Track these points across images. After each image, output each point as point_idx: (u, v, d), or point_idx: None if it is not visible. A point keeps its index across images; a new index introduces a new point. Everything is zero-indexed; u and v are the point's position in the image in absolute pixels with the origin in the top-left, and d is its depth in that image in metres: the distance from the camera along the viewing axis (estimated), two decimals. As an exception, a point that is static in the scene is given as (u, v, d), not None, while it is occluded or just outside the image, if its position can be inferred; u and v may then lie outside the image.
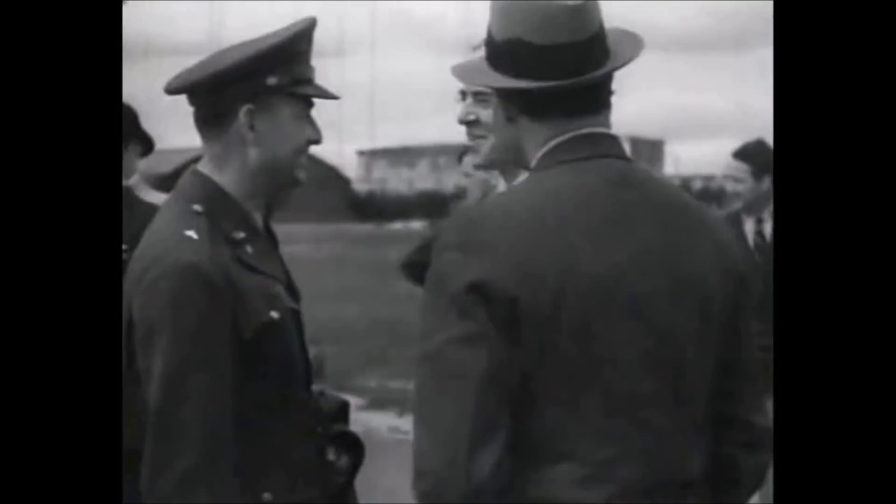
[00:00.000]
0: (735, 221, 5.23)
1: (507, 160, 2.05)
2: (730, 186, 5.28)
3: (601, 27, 1.92)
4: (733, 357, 1.95)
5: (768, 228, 5.13)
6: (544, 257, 1.79)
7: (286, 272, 2.48)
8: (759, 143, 5.26)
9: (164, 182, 4.61)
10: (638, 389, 1.82)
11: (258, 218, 2.42)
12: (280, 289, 2.37)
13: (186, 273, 2.21)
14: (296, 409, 2.38)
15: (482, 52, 2.03)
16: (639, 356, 1.82)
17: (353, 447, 2.55)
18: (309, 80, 2.39)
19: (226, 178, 2.38)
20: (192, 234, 2.27)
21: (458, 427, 1.75)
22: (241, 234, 2.34)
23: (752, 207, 5.16)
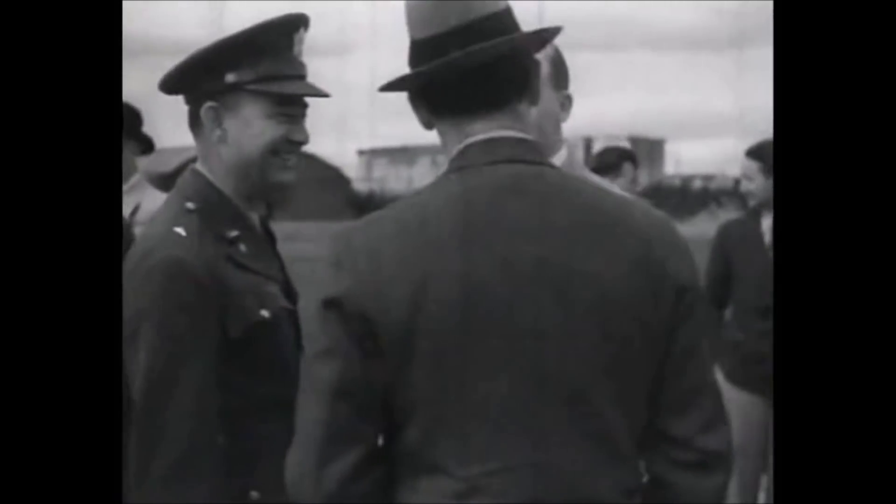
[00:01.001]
0: (750, 225, 5.24)
1: None
2: (743, 185, 5.29)
3: (491, 16, 1.84)
4: (673, 373, 1.84)
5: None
6: (401, 271, 1.77)
7: (283, 272, 2.46)
8: (770, 143, 5.26)
9: (166, 181, 4.62)
10: (512, 405, 1.77)
11: (254, 216, 2.40)
12: (274, 288, 2.35)
13: (171, 269, 2.21)
14: (288, 411, 2.28)
15: None
16: (510, 371, 1.76)
17: None
18: (283, 77, 2.32)
19: (215, 175, 2.37)
20: (180, 230, 2.27)
21: (309, 438, 1.81)
22: (234, 233, 2.32)
23: (769, 205, 5.16)
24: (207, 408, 2.23)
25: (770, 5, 2.03)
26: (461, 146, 1.86)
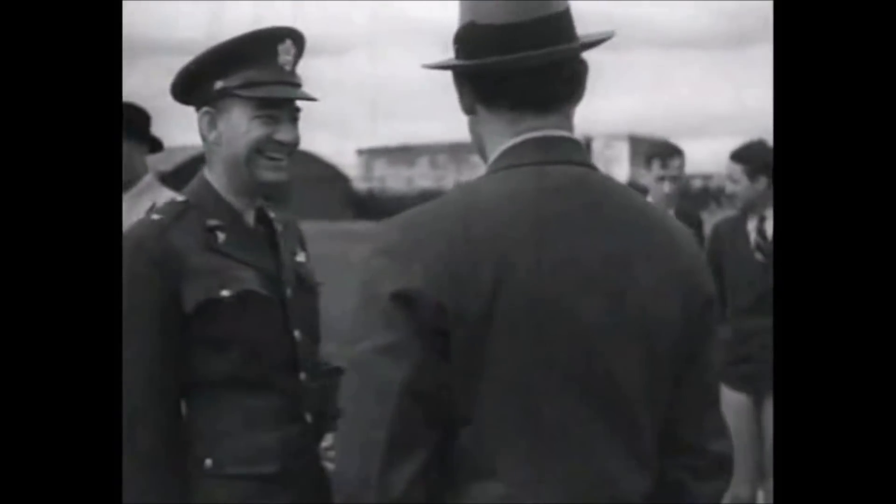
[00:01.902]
0: (738, 225, 5.29)
1: (484, 159, 1.94)
2: (728, 187, 5.34)
3: (559, 15, 1.84)
4: (691, 383, 1.86)
5: (770, 227, 5.18)
6: (474, 269, 1.72)
7: (279, 264, 2.62)
8: (758, 144, 5.31)
9: (166, 179, 4.63)
10: (564, 410, 1.75)
11: (245, 211, 2.62)
12: (247, 273, 2.54)
13: (129, 248, 2.45)
14: (265, 390, 2.53)
15: None
16: (566, 375, 1.75)
17: None
18: (268, 82, 2.53)
19: (213, 174, 2.62)
20: (156, 216, 2.55)
21: (373, 441, 1.69)
22: (215, 222, 2.55)
23: (755, 206, 5.23)
24: (157, 379, 2.45)
25: (770, 5, 2.03)
26: (516, 141, 1.85)
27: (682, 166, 5.80)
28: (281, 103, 2.55)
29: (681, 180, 5.77)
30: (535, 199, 1.79)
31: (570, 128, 1.88)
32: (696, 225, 5.58)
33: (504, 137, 1.86)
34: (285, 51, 2.55)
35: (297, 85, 2.59)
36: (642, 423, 1.80)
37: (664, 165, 5.74)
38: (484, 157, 1.92)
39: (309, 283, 2.70)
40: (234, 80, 2.52)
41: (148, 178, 4.19)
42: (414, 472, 1.69)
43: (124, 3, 2.12)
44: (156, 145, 4.29)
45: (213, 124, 2.57)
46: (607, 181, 1.88)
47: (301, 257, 2.73)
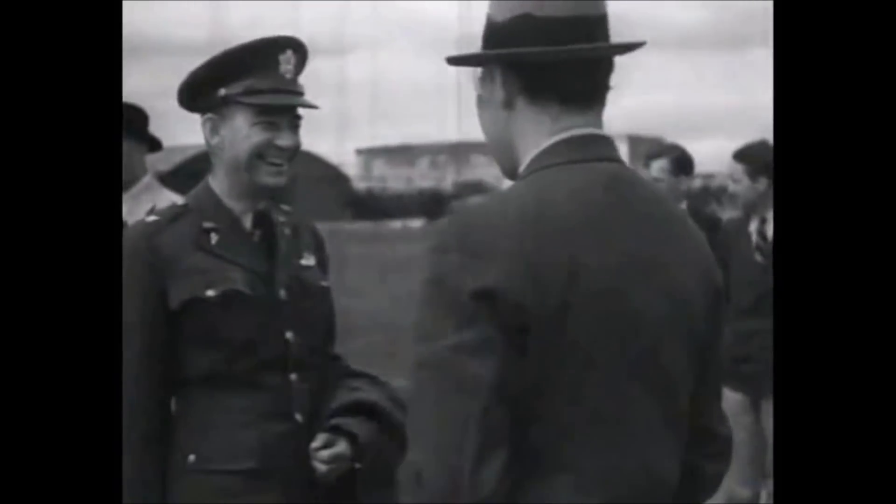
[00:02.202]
0: (741, 226, 5.29)
1: (500, 158, 1.95)
2: (730, 187, 5.34)
3: (605, 15, 1.88)
4: (705, 371, 1.92)
5: (770, 229, 5.18)
6: (549, 264, 1.72)
7: (273, 266, 2.69)
8: (760, 144, 5.32)
9: (165, 179, 4.63)
10: (629, 402, 1.79)
11: (243, 214, 2.70)
12: (237, 274, 2.62)
13: (125, 248, 2.55)
14: (252, 389, 2.61)
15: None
16: (630, 369, 1.78)
17: (353, 442, 2.64)
18: (269, 90, 2.63)
19: (215, 179, 2.72)
20: (152, 217, 2.68)
21: (463, 440, 1.67)
22: (211, 225, 2.65)
23: (756, 207, 5.22)
24: (143, 374, 2.55)
25: (770, 5, 2.03)
26: (562, 137, 1.86)
27: (668, 169, 5.71)
28: (281, 110, 2.64)
29: (665, 182, 5.70)
30: (594, 195, 1.81)
31: (602, 126, 1.91)
32: (713, 227, 5.49)
33: (544, 134, 1.87)
34: (286, 60, 2.65)
35: (299, 93, 2.68)
36: (684, 411, 1.87)
37: (646, 166, 5.76)
38: (509, 154, 1.92)
39: (311, 286, 2.74)
40: (235, 88, 2.61)
41: (147, 178, 4.19)
42: (501, 470, 1.68)
43: (124, 3, 2.12)
44: (154, 145, 4.29)
45: (215, 130, 2.65)
46: (638, 177, 1.92)
47: (308, 261, 2.77)
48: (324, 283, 2.80)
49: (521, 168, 1.89)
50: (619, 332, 1.77)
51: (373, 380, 2.87)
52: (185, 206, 2.70)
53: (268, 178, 2.65)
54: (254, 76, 2.62)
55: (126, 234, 2.62)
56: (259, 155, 2.63)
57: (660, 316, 1.80)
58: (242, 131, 2.63)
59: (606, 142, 1.89)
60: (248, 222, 2.70)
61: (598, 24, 1.86)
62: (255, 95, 2.61)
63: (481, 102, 1.93)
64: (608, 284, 1.76)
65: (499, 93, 1.88)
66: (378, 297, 17.11)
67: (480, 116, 1.94)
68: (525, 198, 1.80)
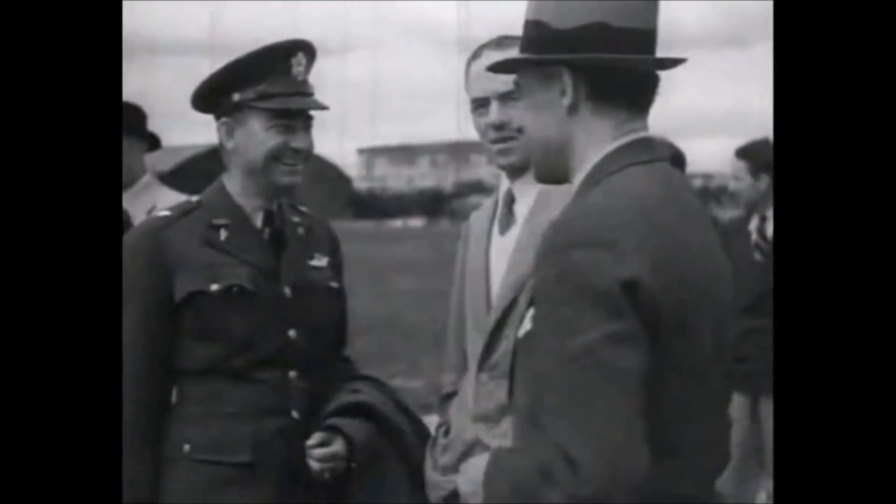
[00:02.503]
0: (741, 225, 5.30)
1: (548, 162, 2.00)
2: (731, 185, 5.34)
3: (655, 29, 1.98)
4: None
5: (770, 228, 5.18)
6: (666, 255, 1.79)
7: (280, 264, 2.74)
8: (763, 143, 5.31)
9: (165, 179, 4.63)
10: (714, 387, 1.89)
11: (254, 213, 2.76)
12: (243, 270, 2.68)
13: (129, 239, 2.66)
14: (249, 383, 2.66)
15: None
16: (715, 356, 1.88)
17: (349, 443, 2.67)
18: (282, 93, 2.70)
19: (229, 179, 2.79)
20: (165, 212, 2.76)
21: (622, 430, 1.70)
22: (221, 221, 2.72)
23: (757, 205, 5.22)
24: (143, 364, 2.61)
25: (770, 5, 2.03)
26: (627, 140, 1.93)
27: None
28: (295, 113, 2.70)
29: None
30: (674, 193, 1.91)
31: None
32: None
33: (607, 138, 1.93)
34: (297, 63, 2.72)
35: (310, 94, 2.75)
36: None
37: None
38: (561, 158, 1.98)
39: (319, 286, 2.78)
40: (249, 93, 2.68)
41: (147, 177, 4.19)
42: (649, 456, 1.73)
43: (124, 3, 2.12)
44: (153, 143, 4.28)
45: (230, 134, 2.72)
46: (682, 174, 2.06)
47: (319, 262, 2.82)
48: (333, 285, 2.83)
49: (580, 171, 1.95)
50: (711, 320, 1.86)
51: (377, 383, 2.90)
52: (198, 202, 2.76)
53: (283, 178, 2.71)
54: (267, 81, 2.68)
55: (136, 227, 2.73)
56: (275, 157, 2.69)
57: (724, 303, 1.93)
58: (258, 135, 2.69)
59: (658, 143, 1.97)
60: (258, 220, 2.76)
61: (655, 36, 1.95)
62: (268, 100, 2.68)
63: (536, 107, 1.97)
64: (699, 274, 1.84)
65: (566, 98, 1.93)
66: (379, 297, 17.11)
67: (534, 121, 1.98)
68: (627, 196, 1.86)
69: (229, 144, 2.72)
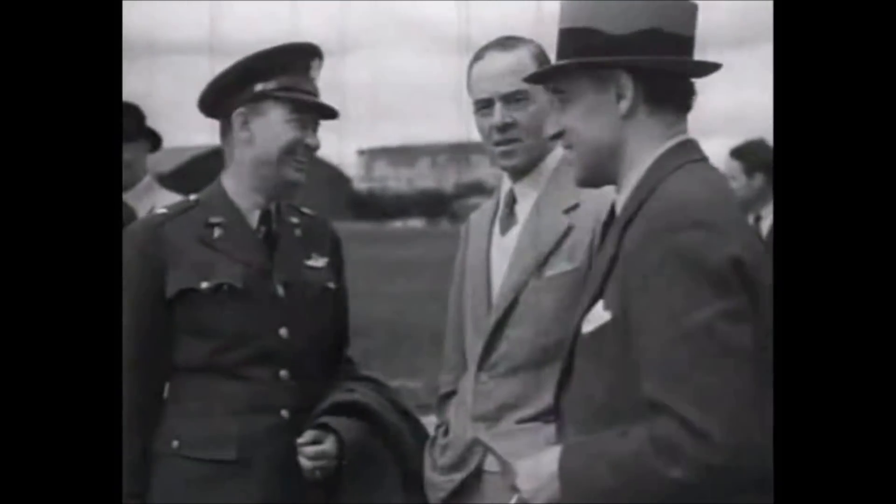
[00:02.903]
0: None
1: (597, 164, 2.08)
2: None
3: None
4: None
5: (765, 226, 5.21)
6: (753, 240, 1.93)
7: (273, 262, 2.75)
8: (758, 142, 5.36)
9: (165, 180, 4.63)
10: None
11: (251, 212, 2.77)
12: (235, 269, 2.69)
13: (126, 235, 2.65)
14: (239, 381, 2.67)
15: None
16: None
17: (340, 441, 2.68)
18: (301, 90, 2.73)
19: (228, 176, 2.79)
20: (161, 210, 2.81)
21: (744, 402, 1.79)
22: (216, 220, 2.74)
23: (751, 205, 5.26)
24: (134, 359, 2.59)
25: (770, 5, 2.03)
26: (677, 140, 2.04)
27: None
28: (309, 110, 2.74)
29: None
30: (725, 186, 2.06)
31: None
32: None
33: (657, 139, 2.03)
34: (315, 67, 2.78)
35: (318, 96, 2.79)
36: None
37: None
38: (612, 160, 2.05)
39: (314, 286, 2.79)
40: (272, 83, 2.71)
41: (147, 179, 4.21)
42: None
43: (124, 3, 2.13)
44: (155, 142, 4.29)
45: (246, 124, 2.72)
46: None
47: (316, 262, 2.83)
48: (330, 285, 2.83)
49: (631, 171, 2.03)
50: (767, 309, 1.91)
51: (376, 384, 2.90)
52: (196, 200, 2.79)
53: (294, 173, 2.74)
54: (288, 75, 2.72)
55: (134, 223, 2.80)
56: (290, 150, 2.72)
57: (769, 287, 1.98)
58: (276, 126, 2.71)
59: (697, 143, 2.07)
60: (254, 220, 2.77)
61: (693, 43, 2.07)
62: (292, 91, 2.71)
63: (588, 111, 2.04)
64: (757, 261, 1.92)
65: (624, 101, 2.01)
66: (379, 298, 17.10)
67: (585, 124, 2.05)
68: (706, 187, 1.95)
69: (243, 135, 2.72)
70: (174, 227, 2.71)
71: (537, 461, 2.00)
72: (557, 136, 2.13)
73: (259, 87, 2.71)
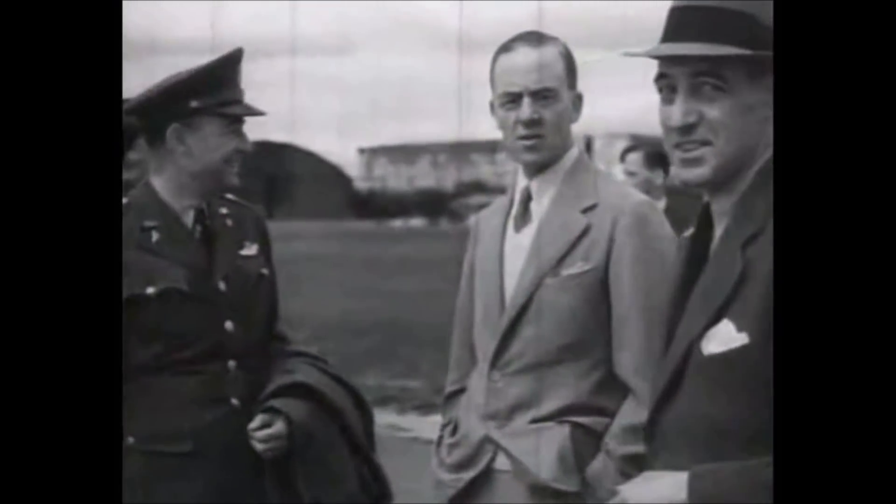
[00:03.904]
0: None
1: (737, 157, 1.96)
2: None
3: None
4: None
5: None
6: None
7: (212, 260, 2.85)
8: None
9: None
10: None
11: (185, 212, 2.86)
12: (176, 271, 2.78)
13: None
14: (190, 376, 2.77)
15: None
16: None
17: (289, 423, 2.79)
18: (236, 101, 2.85)
19: (159, 180, 2.86)
20: None
21: None
22: (151, 223, 2.82)
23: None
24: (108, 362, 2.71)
25: (770, 5, 2.03)
26: None
27: (642, 162, 5.81)
28: (242, 117, 2.85)
29: (640, 175, 5.79)
30: None
31: None
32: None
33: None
34: (240, 70, 2.88)
35: (243, 100, 2.90)
36: None
37: (622, 159, 5.88)
38: (746, 156, 1.96)
39: (251, 275, 2.90)
40: (208, 100, 2.80)
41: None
42: None
43: (124, 3, 2.13)
44: None
45: (181, 140, 2.80)
46: None
47: (249, 250, 2.93)
48: (264, 271, 2.94)
49: (758, 165, 1.96)
50: None
51: (311, 358, 2.99)
52: (127, 204, 2.84)
53: (233, 178, 2.85)
54: (224, 88, 2.82)
55: None
56: (228, 160, 2.83)
57: None
58: (212, 140, 2.81)
59: None
60: (189, 219, 2.86)
61: None
62: (227, 106, 2.82)
63: (742, 107, 1.94)
64: None
65: (739, 106, 1.93)
66: (379, 297, 17.10)
67: (735, 120, 1.94)
68: None
69: (180, 148, 2.80)
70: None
71: (646, 491, 1.92)
72: (689, 126, 1.95)
73: (194, 104, 2.79)
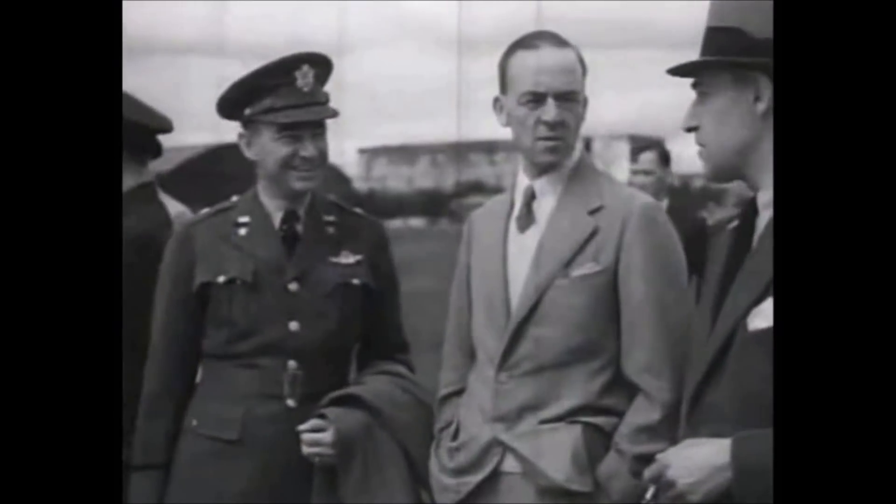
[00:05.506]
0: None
1: (729, 160, 2.18)
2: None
3: None
4: None
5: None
6: None
7: (289, 259, 2.93)
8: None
9: (167, 179, 4.62)
10: None
11: (275, 212, 2.98)
12: (249, 264, 2.90)
13: (172, 233, 3.07)
14: (249, 369, 2.88)
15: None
16: None
17: (337, 431, 2.82)
18: (285, 108, 2.88)
19: (260, 182, 3.02)
20: (205, 210, 3.04)
21: None
22: (245, 220, 2.97)
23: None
24: (163, 342, 2.97)
25: (770, 5, 2.03)
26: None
27: (657, 161, 6.00)
28: (301, 123, 2.89)
29: (655, 174, 6.00)
30: None
31: None
32: (700, 229, 5.50)
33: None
34: (303, 75, 2.91)
35: (320, 103, 2.95)
36: None
37: (634, 160, 6.01)
38: (744, 156, 2.14)
39: (336, 281, 2.94)
40: (257, 108, 2.89)
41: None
42: None
43: (124, 3, 2.13)
44: (156, 150, 4.27)
45: (248, 145, 2.95)
46: None
47: (347, 259, 2.98)
48: (355, 282, 2.97)
49: (763, 167, 2.10)
50: None
51: (396, 375, 3.03)
52: (234, 202, 3.02)
53: (298, 183, 2.91)
54: (273, 95, 2.88)
55: (177, 224, 3.17)
56: (286, 165, 2.89)
57: None
58: (268, 146, 2.90)
59: None
60: (277, 219, 2.97)
61: None
62: (273, 113, 2.88)
63: (725, 109, 2.15)
64: None
65: (762, 103, 2.11)
66: (378, 297, 17.05)
67: (720, 122, 2.16)
68: None
69: (249, 154, 2.94)
70: (208, 226, 2.97)
71: (688, 457, 2.05)
72: (693, 129, 2.22)
73: (247, 111, 2.91)
